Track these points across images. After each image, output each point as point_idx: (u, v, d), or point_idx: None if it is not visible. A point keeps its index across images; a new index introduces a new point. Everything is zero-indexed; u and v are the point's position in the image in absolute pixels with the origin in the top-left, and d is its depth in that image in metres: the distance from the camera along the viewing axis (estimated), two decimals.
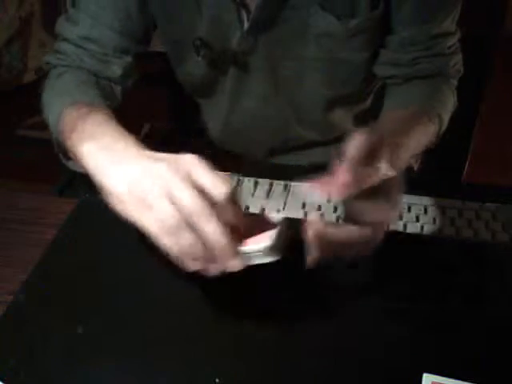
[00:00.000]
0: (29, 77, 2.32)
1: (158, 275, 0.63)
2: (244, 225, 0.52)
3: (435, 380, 0.52)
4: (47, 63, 0.80)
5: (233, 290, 0.61)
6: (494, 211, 0.71)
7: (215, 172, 0.50)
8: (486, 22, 0.99)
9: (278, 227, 0.53)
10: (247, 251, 0.51)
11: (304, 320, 0.58)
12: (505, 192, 0.74)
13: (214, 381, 0.52)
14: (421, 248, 0.65)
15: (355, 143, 0.51)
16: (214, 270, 0.50)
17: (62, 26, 0.79)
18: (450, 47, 0.80)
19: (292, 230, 0.54)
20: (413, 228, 0.69)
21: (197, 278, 0.62)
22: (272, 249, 0.52)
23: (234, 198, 0.50)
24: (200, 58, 0.80)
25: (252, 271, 0.61)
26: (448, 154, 1.06)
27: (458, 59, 0.82)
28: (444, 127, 0.77)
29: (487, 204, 0.71)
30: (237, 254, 0.49)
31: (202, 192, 0.48)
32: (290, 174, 0.75)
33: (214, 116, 0.92)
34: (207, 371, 0.53)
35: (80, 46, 0.77)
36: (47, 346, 0.56)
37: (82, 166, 0.57)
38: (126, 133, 0.56)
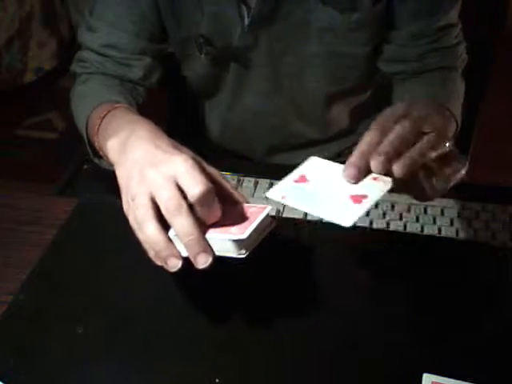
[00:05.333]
0: (29, 77, 2.32)
1: (157, 275, 0.63)
2: (232, 214, 0.53)
3: (435, 380, 0.51)
4: (74, 72, 0.82)
5: (233, 290, 0.61)
6: (494, 211, 0.70)
7: (211, 171, 0.54)
8: (486, 22, 0.99)
9: (256, 222, 0.51)
10: (213, 238, 0.50)
11: (304, 320, 0.58)
12: (505, 192, 0.74)
13: (214, 381, 0.52)
14: (421, 248, 0.65)
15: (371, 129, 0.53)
16: (172, 263, 0.51)
17: (83, 35, 0.81)
18: (455, 37, 0.80)
19: (272, 230, 0.53)
20: (413, 228, 0.69)
21: (196, 278, 0.63)
22: (238, 242, 0.50)
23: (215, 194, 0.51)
24: (203, 56, 0.81)
25: (252, 271, 0.61)
26: None
27: (462, 48, 0.83)
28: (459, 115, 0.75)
29: (487, 204, 0.71)
30: (205, 247, 0.50)
31: (182, 192, 0.50)
32: None
33: (215, 114, 0.92)
34: (207, 371, 0.53)
35: (101, 54, 0.79)
36: (47, 346, 0.56)
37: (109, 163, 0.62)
38: (141, 123, 0.59)
